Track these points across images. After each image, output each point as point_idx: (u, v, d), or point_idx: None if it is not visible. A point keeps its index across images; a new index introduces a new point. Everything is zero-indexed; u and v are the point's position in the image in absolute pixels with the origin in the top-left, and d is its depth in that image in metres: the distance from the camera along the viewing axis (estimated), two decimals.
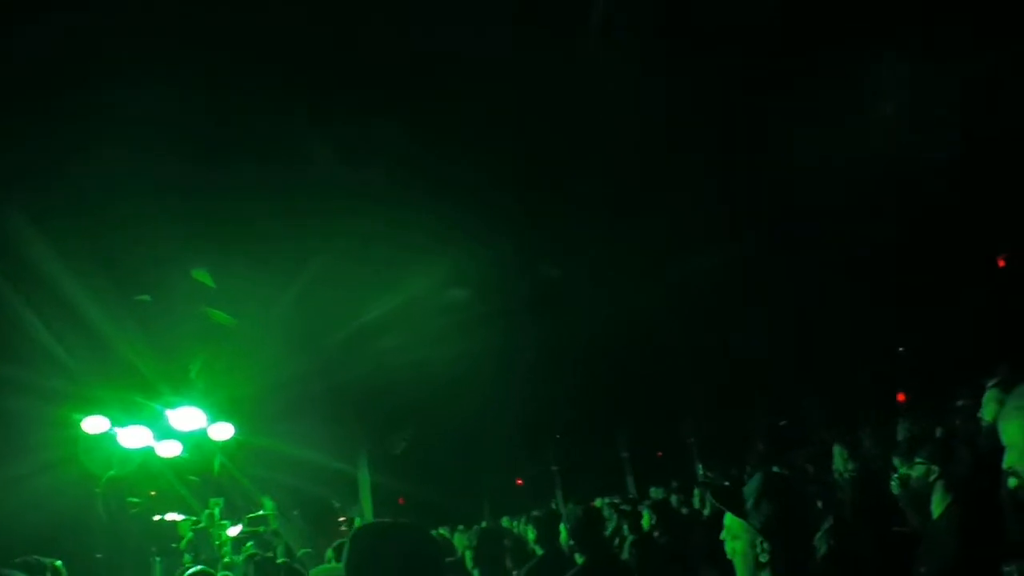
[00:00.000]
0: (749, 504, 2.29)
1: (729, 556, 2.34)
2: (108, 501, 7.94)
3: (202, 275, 11.37)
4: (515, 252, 12.10)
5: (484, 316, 13.38)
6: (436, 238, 11.17)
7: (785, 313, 14.17)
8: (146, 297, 10.53)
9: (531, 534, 5.93)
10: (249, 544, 8.15)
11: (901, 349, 17.33)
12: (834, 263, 13.21)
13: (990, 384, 4.46)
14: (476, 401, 14.77)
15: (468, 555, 5.01)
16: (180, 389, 9.86)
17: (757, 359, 14.95)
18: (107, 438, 8.62)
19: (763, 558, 2.23)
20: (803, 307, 14.09)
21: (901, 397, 15.68)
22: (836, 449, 6.38)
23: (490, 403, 15.08)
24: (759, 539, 2.24)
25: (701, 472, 16.58)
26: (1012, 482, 2.36)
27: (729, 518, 2.33)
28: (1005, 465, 2.34)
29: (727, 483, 6.96)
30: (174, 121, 8.12)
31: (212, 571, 5.30)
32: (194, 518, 9.13)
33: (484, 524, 9.60)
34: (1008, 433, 2.32)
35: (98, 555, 7.77)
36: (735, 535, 2.31)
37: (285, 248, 10.88)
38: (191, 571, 5.18)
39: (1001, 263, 16.29)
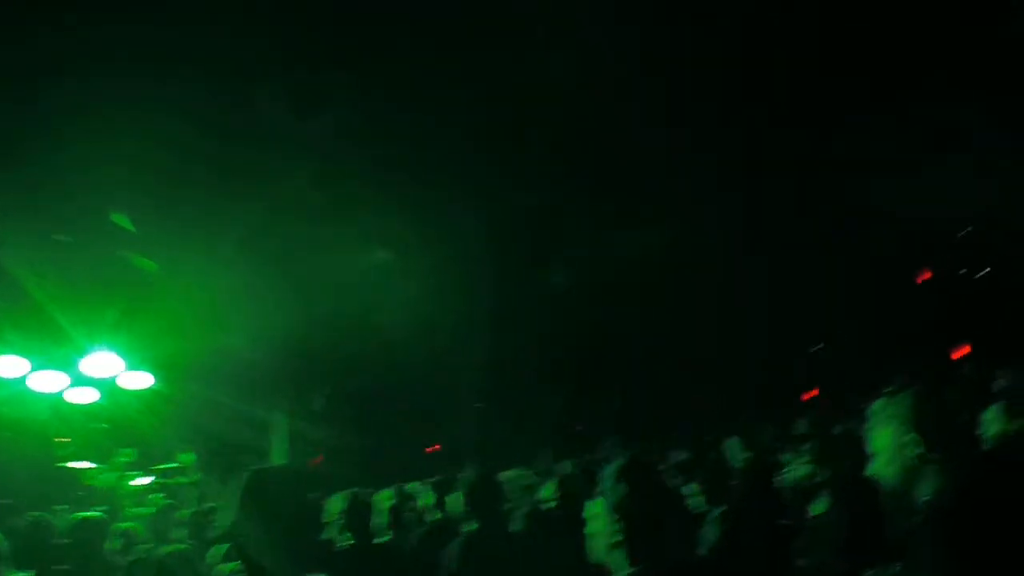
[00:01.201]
0: (608, 484, 2.37)
1: (588, 534, 2.42)
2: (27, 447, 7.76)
3: (121, 219, 11.09)
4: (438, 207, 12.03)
5: (407, 275, 13.39)
6: (365, 194, 11.11)
7: (697, 306, 14.56)
8: (64, 237, 10.25)
9: (430, 499, 6.04)
10: (158, 496, 8.10)
11: (816, 348, 17.97)
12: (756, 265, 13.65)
13: (885, 392, 4.72)
14: (397, 361, 14.80)
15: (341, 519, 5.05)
16: (96, 335, 9.66)
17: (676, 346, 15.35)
18: (20, 382, 8.41)
19: (616, 537, 2.31)
20: (705, 302, 14.50)
21: (806, 395, 16.29)
22: (732, 440, 6.66)
23: (410, 368, 15.14)
24: (614, 518, 2.32)
25: (610, 449, 16.92)
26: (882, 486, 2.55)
27: (594, 499, 2.42)
28: (869, 472, 2.52)
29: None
30: (101, 56, 7.88)
31: (102, 516, 5.21)
32: (102, 466, 9.00)
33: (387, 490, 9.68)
34: (875, 441, 2.50)
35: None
36: (595, 514, 2.40)
37: (210, 194, 10.68)
38: (78, 516, 5.11)
39: (922, 278, 17.09)
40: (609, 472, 2.38)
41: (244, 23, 7.89)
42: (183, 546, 5.31)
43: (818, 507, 4.12)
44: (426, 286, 13.48)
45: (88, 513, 5.09)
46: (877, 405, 2.62)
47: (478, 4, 8.16)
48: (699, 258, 13.62)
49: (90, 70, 7.75)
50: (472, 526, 4.58)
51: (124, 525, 5.94)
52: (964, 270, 17.04)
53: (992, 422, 4.23)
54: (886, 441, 2.47)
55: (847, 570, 3.45)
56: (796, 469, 4.26)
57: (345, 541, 4.93)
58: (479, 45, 8.75)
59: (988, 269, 16.71)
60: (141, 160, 9.37)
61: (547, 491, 6.23)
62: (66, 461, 8.98)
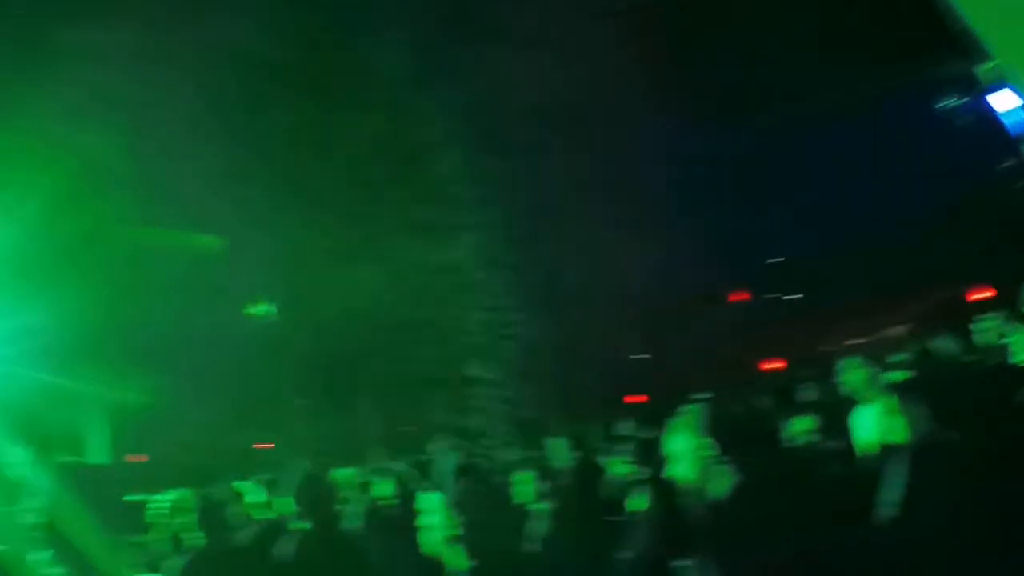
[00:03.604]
0: (443, 480, 2.49)
1: (424, 527, 2.52)
2: None
3: None
4: None
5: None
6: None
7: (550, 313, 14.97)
8: None
9: (260, 497, 5.92)
10: None
11: (642, 357, 18.90)
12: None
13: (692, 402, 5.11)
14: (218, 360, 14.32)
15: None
16: None
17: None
18: None
19: (454, 531, 2.43)
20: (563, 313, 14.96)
21: (628, 399, 17.12)
22: (559, 441, 6.94)
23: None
24: (452, 512, 2.44)
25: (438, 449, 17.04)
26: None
27: (429, 493, 2.52)
28: (665, 474, 2.79)
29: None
30: None
31: None
32: None
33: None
34: (674, 444, 2.79)
35: None
36: (431, 508, 2.51)
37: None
38: None
39: (747, 296, 18.41)
40: (446, 469, 2.47)
41: None
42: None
43: (638, 503, 4.41)
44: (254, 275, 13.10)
45: None
46: (678, 414, 2.88)
47: None
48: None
49: None
50: (304, 525, 4.56)
51: None
52: (776, 293, 18.59)
53: (800, 431, 4.69)
54: (683, 445, 2.75)
55: (660, 560, 3.73)
56: (618, 468, 4.52)
57: (170, 542, 4.79)
58: None
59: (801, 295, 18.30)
60: None
61: (384, 488, 6.27)
62: None
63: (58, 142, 9.60)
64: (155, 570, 2.30)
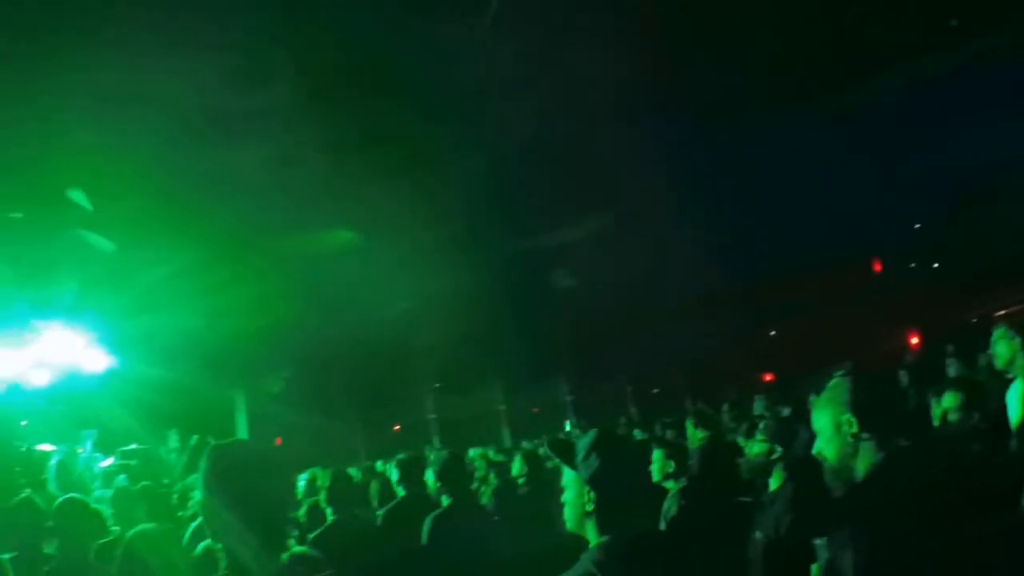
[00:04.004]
0: (580, 457, 2.51)
1: (563, 503, 2.56)
2: None
3: (79, 196, 10.92)
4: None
5: (368, 263, 13.39)
6: (322, 177, 11.09)
7: (668, 289, 14.80)
8: (18, 214, 10.07)
9: (394, 475, 6.14)
10: (122, 476, 8.04)
11: (773, 333, 18.42)
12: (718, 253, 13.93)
13: (836, 375, 4.93)
14: (358, 344, 14.82)
15: (322, 495, 5.13)
16: (54, 314, 9.52)
17: (634, 328, 15.57)
18: None
19: (588, 507, 2.45)
20: (685, 289, 14.75)
21: (767, 377, 16.68)
22: (687, 420, 6.88)
23: (370, 351, 15.18)
24: (586, 489, 2.46)
25: (569, 428, 17.23)
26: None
27: (565, 469, 2.55)
28: (814, 451, 2.72)
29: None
30: (58, 32, 7.77)
31: (83, 498, 5.23)
32: (63, 449, 8.88)
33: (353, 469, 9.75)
34: (818, 421, 2.70)
35: None
36: (567, 485, 2.53)
37: (169, 172, 10.57)
38: (60, 499, 5.13)
39: (878, 267, 17.62)
40: (583, 444, 2.49)
41: None
42: (150, 526, 5.32)
43: (773, 482, 4.32)
44: (386, 272, 13.52)
45: (71, 496, 5.08)
46: (822, 388, 2.79)
47: None
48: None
49: None
50: (443, 502, 4.70)
51: (92, 507, 5.93)
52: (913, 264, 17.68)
53: (947, 407, 4.46)
54: (826, 421, 2.66)
55: (799, 542, 3.64)
56: (752, 447, 4.44)
57: (313, 518, 5.02)
58: None
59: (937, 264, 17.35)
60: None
61: (515, 467, 6.39)
62: (32, 444, 8.82)
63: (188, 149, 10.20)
64: (303, 544, 2.40)
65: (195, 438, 9.31)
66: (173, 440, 10.39)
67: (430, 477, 4.87)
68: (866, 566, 2.35)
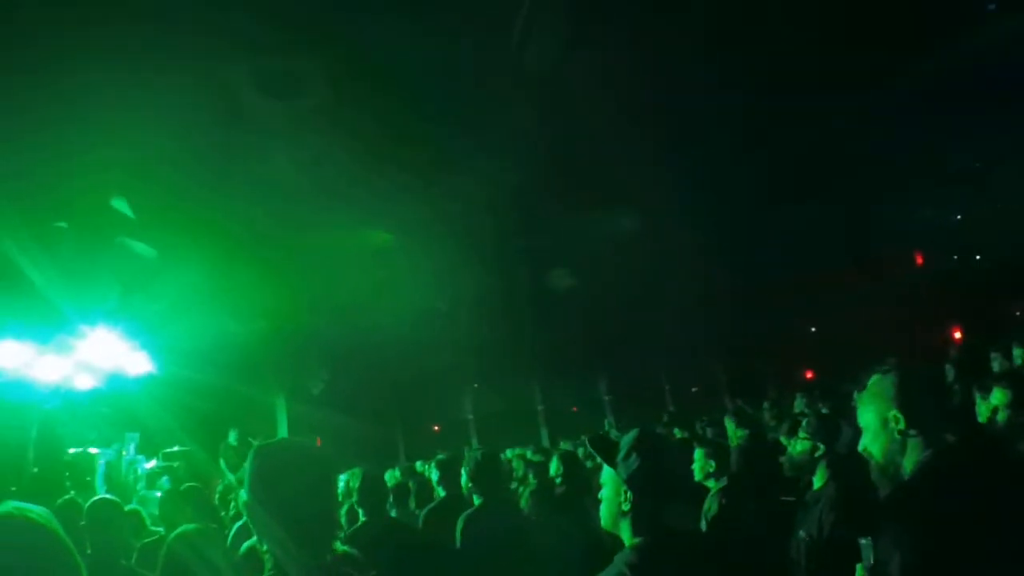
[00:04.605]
0: (620, 455, 2.47)
1: (598, 499, 2.51)
2: (41, 436, 7.77)
3: (121, 203, 11.10)
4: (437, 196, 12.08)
5: (405, 263, 13.44)
6: (357, 178, 11.15)
7: (706, 285, 14.67)
8: (62, 224, 10.26)
9: (435, 476, 6.15)
10: (165, 478, 8.16)
11: (813, 329, 18.16)
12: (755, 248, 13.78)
13: (880, 371, 4.82)
14: (396, 345, 14.89)
15: (354, 496, 5.13)
16: (96, 319, 9.69)
17: (673, 326, 15.45)
18: (24, 369, 8.41)
19: (625, 507, 2.40)
20: (722, 285, 14.62)
21: (808, 374, 16.45)
22: (726, 418, 6.80)
23: (410, 349, 15.23)
24: (623, 488, 2.42)
25: (607, 428, 17.16)
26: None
27: (605, 467, 2.51)
28: (860, 447, 2.64)
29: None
30: (99, 43, 7.90)
31: (116, 500, 5.30)
32: (108, 451, 9.04)
33: (395, 469, 9.81)
34: (864, 417, 2.62)
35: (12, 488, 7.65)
36: (605, 483, 2.49)
37: (209, 178, 10.70)
38: (93, 500, 5.20)
39: (919, 260, 17.29)
40: (624, 442, 2.45)
41: None
42: (192, 527, 5.37)
43: (816, 481, 4.24)
44: (423, 272, 13.56)
45: (103, 496, 5.15)
46: (866, 383, 2.71)
47: None
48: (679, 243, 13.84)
49: None
50: (478, 502, 4.69)
51: (132, 508, 6.02)
52: (956, 256, 17.31)
53: (995, 404, 4.35)
54: (872, 417, 2.59)
55: (844, 541, 3.57)
56: (794, 445, 4.36)
57: (354, 517, 5.03)
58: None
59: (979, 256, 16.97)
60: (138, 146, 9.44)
61: (553, 468, 6.36)
62: (77, 447, 9.00)
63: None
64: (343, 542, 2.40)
65: (233, 435, 9.41)
66: (232, 438, 10.52)
67: (463, 477, 4.86)
68: (916, 567, 2.28)
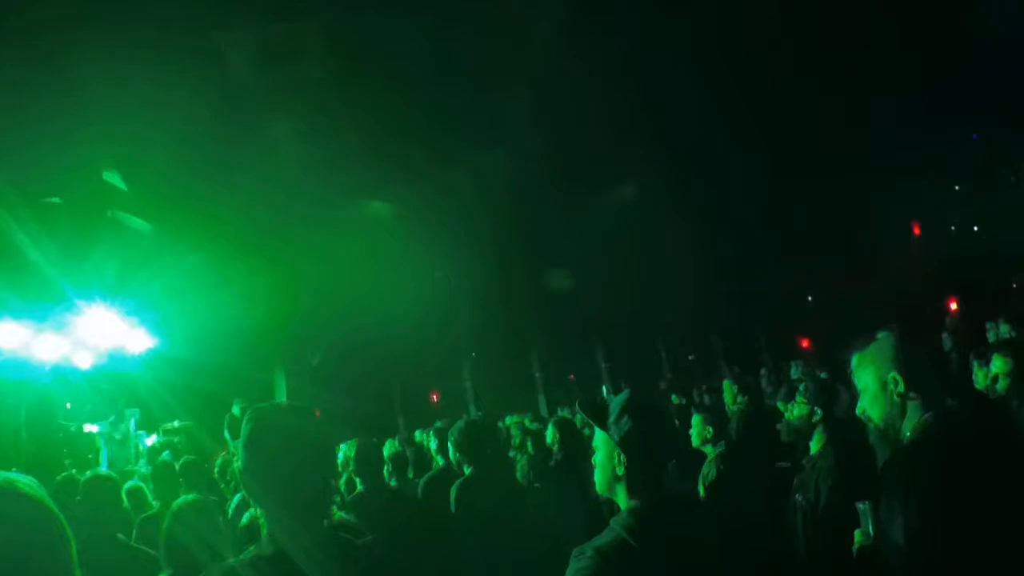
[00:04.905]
0: (611, 419, 2.43)
1: (594, 465, 2.49)
2: (33, 413, 7.77)
3: (113, 177, 11.02)
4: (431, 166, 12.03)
5: (404, 233, 13.42)
6: (354, 151, 11.09)
7: (704, 256, 14.67)
8: (56, 199, 10.19)
9: (433, 444, 6.15)
10: (166, 453, 8.16)
11: (809, 299, 18.16)
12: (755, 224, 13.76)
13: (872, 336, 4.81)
14: (394, 317, 14.89)
15: (351, 466, 5.15)
16: (94, 297, 9.65)
17: (669, 295, 15.45)
18: (24, 348, 8.37)
19: (619, 471, 2.38)
20: (721, 254, 14.62)
21: (804, 343, 16.47)
22: (726, 384, 6.80)
23: (408, 319, 15.23)
24: (616, 451, 2.40)
25: (606, 394, 17.22)
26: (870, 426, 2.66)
27: (598, 431, 2.48)
28: (858, 411, 2.62)
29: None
30: (88, 16, 7.81)
31: (112, 474, 5.29)
32: (104, 424, 9.03)
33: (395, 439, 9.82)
34: (862, 380, 2.60)
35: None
36: (598, 447, 2.46)
37: (204, 152, 10.63)
38: (88, 474, 5.19)
39: (916, 231, 17.26)
40: (615, 405, 2.42)
41: None
42: (191, 498, 5.37)
43: (813, 446, 4.25)
44: (421, 242, 13.54)
45: (99, 471, 5.15)
46: (864, 347, 2.68)
47: None
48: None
49: None
50: (474, 470, 4.68)
51: (134, 484, 6.02)
52: (953, 227, 17.27)
53: (995, 372, 4.34)
54: (871, 380, 2.56)
55: (841, 504, 3.57)
56: (792, 410, 4.36)
57: (352, 487, 5.05)
58: None
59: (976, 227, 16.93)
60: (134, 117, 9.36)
61: (549, 435, 6.38)
62: (78, 423, 8.98)
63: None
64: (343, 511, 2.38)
65: (236, 406, 9.39)
66: (236, 409, 10.49)
67: (450, 447, 4.85)
68: (919, 530, 2.27)
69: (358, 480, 4.89)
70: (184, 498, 5.27)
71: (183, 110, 9.95)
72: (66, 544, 1.49)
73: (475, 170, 12.82)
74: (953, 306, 15.71)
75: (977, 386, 4.88)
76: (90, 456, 8.21)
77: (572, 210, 14.26)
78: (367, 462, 4.89)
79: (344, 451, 5.32)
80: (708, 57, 10.34)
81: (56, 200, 10.14)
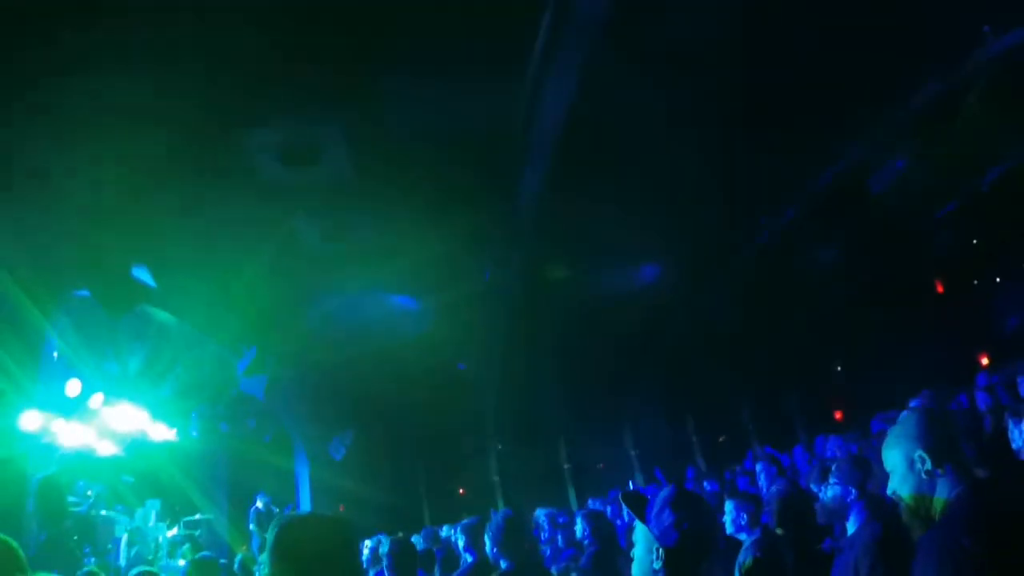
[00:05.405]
0: (654, 512, 2.41)
1: (632, 558, 2.45)
2: (43, 500, 7.72)
3: (142, 272, 11.22)
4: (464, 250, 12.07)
5: (424, 319, 13.43)
6: (371, 238, 11.20)
7: (720, 328, 14.51)
8: (84, 292, 10.36)
9: (461, 541, 6.01)
10: (186, 547, 8.05)
11: (839, 368, 17.83)
12: (774, 281, 13.60)
13: (912, 406, 4.68)
14: (418, 406, 14.81)
15: (384, 562, 5.05)
16: (119, 388, 9.70)
17: (695, 373, 15.27)
18: (44, 436, 8.39)
19: (656, 564, 2.33)
20: (741, 325, 14.45)
21: (839, 415, 16.10)
22: (759, 466, 6.63)
23: (432, 414, 15.14)
24: (656, 545, 2.35)
25: (641, 482, 16.86)
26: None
27: (637, 523, 2.45)
28: (888, 490, 2.57)
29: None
30: (114, 113, 8.04)
31: (155, 571, 5.24)
32: (128, 518, 8.94)
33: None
34: (889, 460, 2.56)
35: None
36: (637, 540, 2.43)
37: (225, 247, 10.80)
38: (135, 572, 5.13)
39: (939, 288, 17.00)
40: (659, 498, 2.42)
41: None
42: None
43: (850, 526, 4.10)
44: (444, 332, 13.54)
45: (144, 569, 5.07)
46: (891, 424, 2.69)
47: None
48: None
49: None
50: (505, 565, 4.58)
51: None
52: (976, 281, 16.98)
53: None
54: (898, 459, 2.54)
55: None
56: (826, 491, 4.23)
57: None
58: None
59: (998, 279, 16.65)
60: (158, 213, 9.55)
61: (579, 529, 6.22)
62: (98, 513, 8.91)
63: None
64: None
65: (261, 500, 9.29)
66: (261, 503, 10.38)
67: (486, 541, 4.75)
68: None
69: None
70: None
71: (214, 206, 10.18)
72: None
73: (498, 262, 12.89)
74: (984, 361, 15.34)
75: (1014, 445, 4.72)
76: (110, 547, 8.09)
77: (596, 294, 14.24)
78: (402, 559, 4.81)
79: (374, 547, 5.24)
80: None
81: (85, 292, 10.32)
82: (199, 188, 9.39)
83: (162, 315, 11.64)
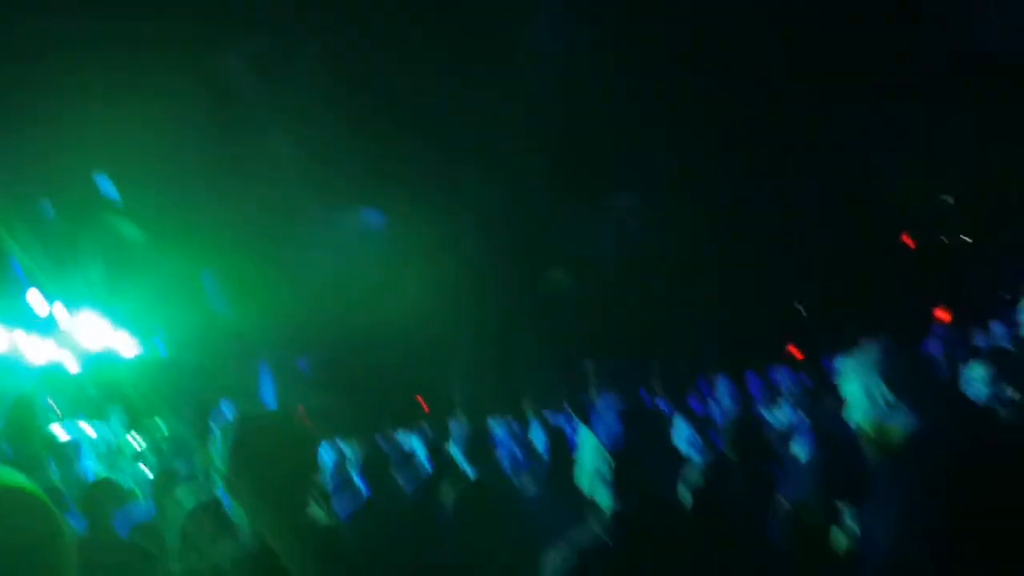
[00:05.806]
0: (599, 420, 2.44)
1: (578, 465, 2.51)
2: (15, 418, 7.70)
3: (105, 183, 10.99)
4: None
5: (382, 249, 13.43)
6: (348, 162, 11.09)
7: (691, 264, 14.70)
8: (47, 201, 10.17)
9: (422, 449, 6.16)
10: (150, 457, 8.16)
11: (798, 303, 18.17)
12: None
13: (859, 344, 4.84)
14: (383, 324, 14.87)
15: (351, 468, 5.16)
16: (82, 301, 9.60)
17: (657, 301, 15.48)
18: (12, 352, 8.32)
19: (604, 473, 2.38)
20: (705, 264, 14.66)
21: (791, 349, 16.45)
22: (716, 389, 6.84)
23: (397, 327, 15.21)
24: (602, 451, 2.39)
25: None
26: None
27: (582, 429, 2.51)
28: (844, 418, 2.68)
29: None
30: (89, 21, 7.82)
31: (117, 480, 5.29)
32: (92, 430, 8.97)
33: None
34: (848, 388, 2.65)
35: None
36: (583, 447, 2.48)
37: (197, 158, 10.63)
38: (97, 479, 5.18)
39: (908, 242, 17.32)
40: (601, 405, 2.45)
41: None
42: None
43: (799, 451, 4.29)
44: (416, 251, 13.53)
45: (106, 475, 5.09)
46: (850, 355, 2.73)
47: None
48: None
49: None
50: (466, 473, 4.71)
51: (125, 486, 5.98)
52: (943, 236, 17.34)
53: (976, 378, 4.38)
54: (857, 388, 2.60)
55: (826, 509, 3.61)
56: (778, 416, 4.41)
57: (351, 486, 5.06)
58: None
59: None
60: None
61: (535, 435, 6.39)
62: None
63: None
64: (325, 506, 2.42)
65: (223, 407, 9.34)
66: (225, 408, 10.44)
67: (454, 450, 4.90)
68: (900, 536, 2.31)
69: (357, 479, 4.94)
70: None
71: (177, 119, 9.94)
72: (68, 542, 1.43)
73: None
74: (941, 314, 15.77)
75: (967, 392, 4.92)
76: (74, 460, 8.09)
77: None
78: (372, 462, 4.95)
79: (342, 450, 5.36)
80: None
81: (47, 202, 10.11)
82: (170, 100, 9.20)
83: (126, 228, 11.48)
